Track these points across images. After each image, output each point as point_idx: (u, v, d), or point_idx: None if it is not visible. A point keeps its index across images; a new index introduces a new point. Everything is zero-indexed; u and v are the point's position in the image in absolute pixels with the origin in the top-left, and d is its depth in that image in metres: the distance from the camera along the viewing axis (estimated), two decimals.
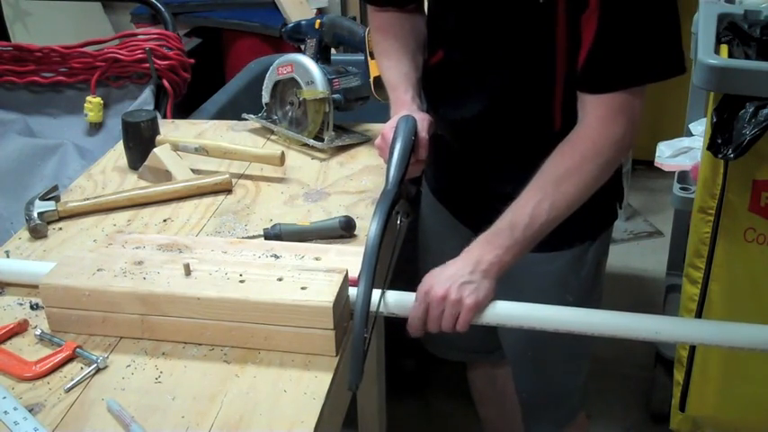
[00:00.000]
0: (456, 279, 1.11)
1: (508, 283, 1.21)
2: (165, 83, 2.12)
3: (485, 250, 1.14)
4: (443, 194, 1.50)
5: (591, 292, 1.45)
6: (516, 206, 1.16)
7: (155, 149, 1.56)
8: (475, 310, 1.11)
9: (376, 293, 1.11)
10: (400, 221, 1.24)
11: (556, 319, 1.14)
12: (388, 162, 1.22)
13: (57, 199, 1.46)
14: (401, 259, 1.37)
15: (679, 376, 1.72)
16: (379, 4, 1.42)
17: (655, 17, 1.13)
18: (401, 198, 1.20)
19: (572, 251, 1.39)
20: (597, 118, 1.16)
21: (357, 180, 1.56)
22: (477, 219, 1.20)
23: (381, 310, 1.13)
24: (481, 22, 1.25)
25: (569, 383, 1.55)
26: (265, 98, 1.77)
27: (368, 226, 1.13)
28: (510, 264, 1.15)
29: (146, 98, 2.08)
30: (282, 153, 1.56)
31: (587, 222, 1.36)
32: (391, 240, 1.26)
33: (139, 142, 1.60)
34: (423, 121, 1.28)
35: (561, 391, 1.56)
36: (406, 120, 1.25)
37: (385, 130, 1.28)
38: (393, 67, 1.38)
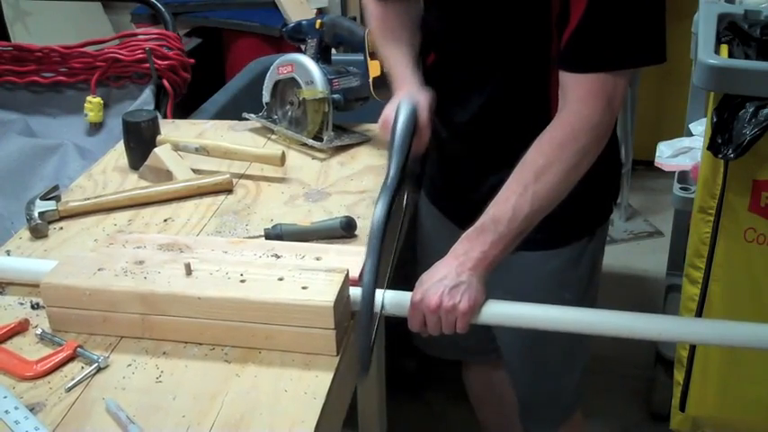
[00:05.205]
0: (446, 284, 1.11)
1: (507, 282, 1.21)
2: (166, 83, 2.11)
3: (470, 247, 1.14)
4: (438, 197, 1.50)
5: (587, 289, 1.45)
6: (499, 200, 1.15)
7: (155, 149, 1.56)
8: (470, 313, 1.11)
9: (377, 294, 1.10)
10: (406, 200, 1.24)
11: (558, 320, 1.14)
12: (389, 148, 1.22)
13: (57, 199, 1.46)
14: (401, 261, 1.37)
15: (679, 376, 1.72)
16: None
17: (643, 3, 1.13)
18: (404, 182, 1.21)
19: (570, 248, 1.39)
20: (576, 99, 1.15)
21: (357, 180, 1.56)
22: (472, 220, 1.20)
23: (381, 311, 1.13)
24: (474, 17, 1.25)
25: (566, 380, 1.55)
26: (266, 98, 1.77)
27: (368, 226, 1.13)
28: (497, 258, 1.14)
29: (146, 98, 2.08)
30: (283, 153, 1.56)
31: (584, 219, 1.36)
32: (397, 219, 1.26)
33: (140, 142, 1.60)
34: (424, 100, 1.27)
35: (558, 387, 1.56)
36: (406, 103, 1.24)
37: (386, 110, 1.27)
38: (391, 44, 1.37)
